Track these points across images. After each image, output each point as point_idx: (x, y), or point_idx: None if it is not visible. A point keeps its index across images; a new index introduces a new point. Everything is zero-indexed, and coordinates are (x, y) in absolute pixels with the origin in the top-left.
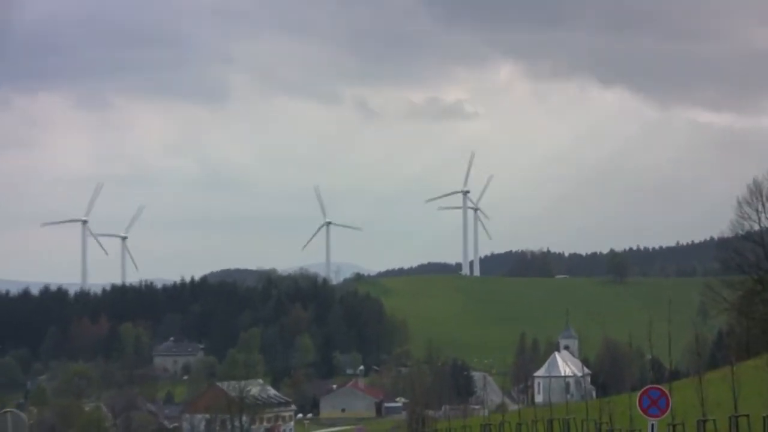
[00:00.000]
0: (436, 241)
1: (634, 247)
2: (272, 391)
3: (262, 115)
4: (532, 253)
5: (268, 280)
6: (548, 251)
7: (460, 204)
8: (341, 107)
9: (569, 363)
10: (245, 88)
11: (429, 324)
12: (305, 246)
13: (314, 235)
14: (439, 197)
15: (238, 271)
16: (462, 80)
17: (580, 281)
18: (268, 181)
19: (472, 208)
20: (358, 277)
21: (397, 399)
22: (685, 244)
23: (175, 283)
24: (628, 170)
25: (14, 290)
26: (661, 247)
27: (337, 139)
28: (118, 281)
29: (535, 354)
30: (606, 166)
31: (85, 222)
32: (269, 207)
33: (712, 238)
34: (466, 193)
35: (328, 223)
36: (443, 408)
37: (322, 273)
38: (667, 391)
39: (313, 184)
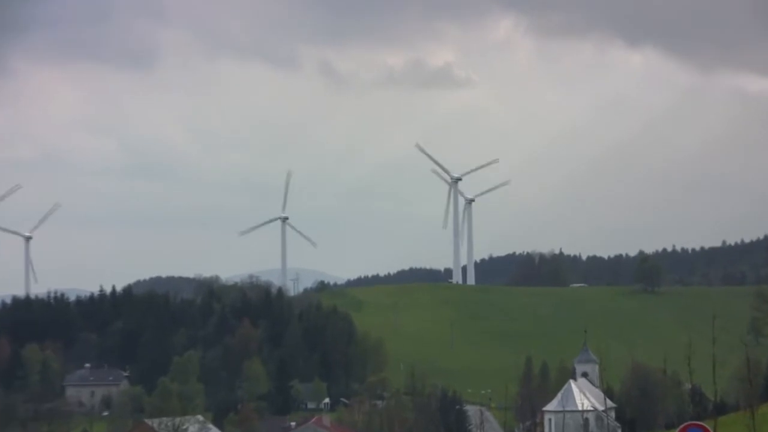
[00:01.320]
0: (420, 240)
1: (669, 248)
2: (215, 430)
3: (201, 84)
4: (541, 256)
5: (209, 291)
6: (561, 253)
7: (448, 194)
8: (300, 73)
9: (588, 394)
10: (179, 49)
11: (411, 345)
12: (245, 233)
13: (260, 225)
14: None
15: (171, 279)
16: (451, 39)
17: (602, 291)
18: (209, 166)
19: (466, 199)
20: (322, 287)
21: None
22: (732, 244)
23: (92, 295)
24: (660, 152)
25: None
26: (702, 249)
27: (295, 114)
28: (20, 293)
29: (545, 383)
30: (631, 147)
31: None
32: (210, 199)
33: (766, 237)
34: (456, 180)
35: (285, 219)
36: None
37: (276, 281)
38: (711, 430)
39: (267, 169)
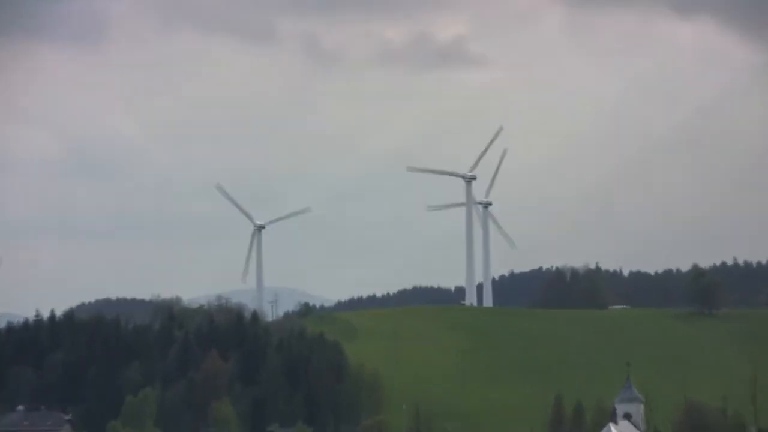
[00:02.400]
0: (426, 253)
1: (729, 262)
2: None
3: (158, 62)
4: (573, 272)
5: (169, 315)
6: (597, 268)
7: (462, 197)
8: (279, 50)
9: None
10: (131, 21)
11: (415, 381)
12: (246, 271)
13: (251, 250)
14: (444, 206)
15: (122, 302)
16: (463, 7)
17: (647, 314)
18: (167, 163)
19: (480, 203)
20: (307, 310)
21: None
22: None
23: (26, 321)
24: (716, 144)
25: None
26: None
27: (272, 100)
28: None
29: (579, 426)
30: (682, 138)
31: None
32: (169, 204)
33: None
34: (470, 180)
35: (260, 228)
36: None
37: (250, 304)
38: None
39: (238, 167)
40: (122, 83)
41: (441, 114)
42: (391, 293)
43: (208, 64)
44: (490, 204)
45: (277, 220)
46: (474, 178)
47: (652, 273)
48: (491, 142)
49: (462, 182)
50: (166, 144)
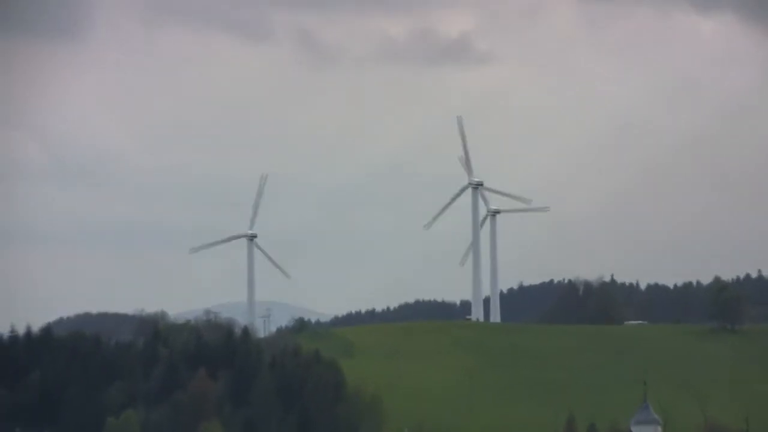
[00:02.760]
0: (429, 265)
1: (753, 274)
2: None
3: (141, 59)
4: (586, 285)
5: (154, 331)
6: (612, 281)
7: (468, 203)
8: (273, 46)
9: None
10: (112, 15)
11: (418, 403)
12: (196, 250)
13: (217, 243)
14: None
15: (103, 317)
16: (468, 1)
17: (666, 330)
18: (152, 168)
19: (490, 212)
20: (302, 326)
21: None
22: None
23: (0, 337)
24: (739, 148)
25: None
26: None
27: (266, 99)
28: None
29: None
30: (702, 142)
31: None
32: (154, 211)
33: None
34: (477, 186)
35: (252, 237)
36: None
37: (241, 319)
38: None
39: (230, 172)
40: (106, 82)
41: (445, 113)
42: (391, 308)
43: (198, 63)
44: (498, 212)
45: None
46: (481, 183)
47: (671, 286)
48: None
49: (469, 190)
50: (153, 147)
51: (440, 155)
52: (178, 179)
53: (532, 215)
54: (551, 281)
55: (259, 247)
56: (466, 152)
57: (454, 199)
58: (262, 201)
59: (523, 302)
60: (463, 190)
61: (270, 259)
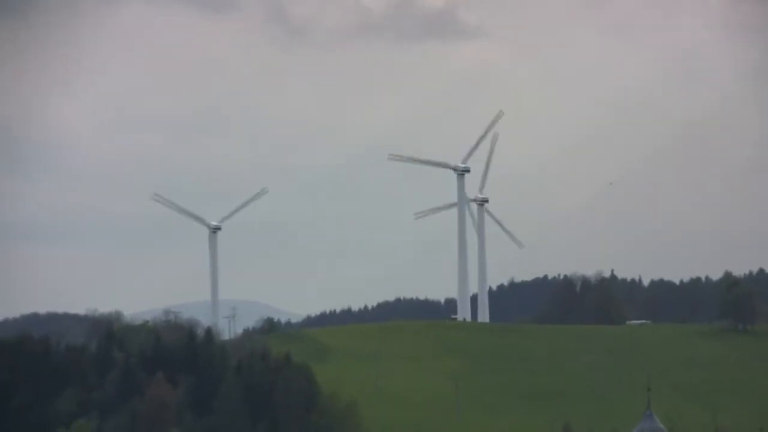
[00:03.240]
0: (411, 259)
1: (767, 269)
2: None
3: (88, 34)
4: (584, 281)
5: (108, 333)
6: (612, 276)
7: (453, 193)
8: (239, 20)
9: None
10: None
11: (399, 411)
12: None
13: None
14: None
15: (53, 317)
16: None
17: (671, 330)
18: (107, 156)
19: (474, 200)
20: (270, 327)
21: None
22: None
23: None
24: (751, 132)
25: None
26: None
27: (231, 78)
28: None
29: None
30: (711, 126)
31: None
32: (105, 201)
33: None
34: (462, 173)
35: (216, 230)
36: None
37: (204, 319)
38: None
39: (189, 159)
40: (58, 61)
41: (427, 93)
42: (369, 306)
43: (158, 39)
44: (486, 201)
45: (233, 214)
46: (467, 170)
47: (677, 282)
48: (489, 129)
49: (453, 175)
50: (107, 133)
51: (422, 139)
52: (134, 163)
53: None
54: (545, 277)
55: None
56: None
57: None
58: (229, 190)
59: (514, 300)
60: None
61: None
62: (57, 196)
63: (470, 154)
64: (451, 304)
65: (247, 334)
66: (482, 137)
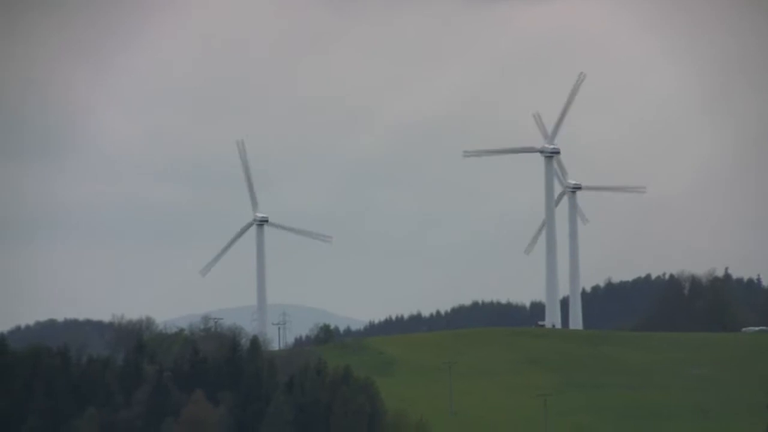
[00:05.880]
0: (490, 257)
1: None
2: None
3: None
4: (694, 281)
5: (137, 344)
6: (727, 276)
7: (541, 175)
8: None
9: None
10: None
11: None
12: (207, 269)
13: (232, 243)
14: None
15: (72, 323)
16: None
17: None
18: (126, 137)
19: (569, 188)
20: (327, 335)
21: None
22: None
23: None
24: None
25: None
26: None
27: (268, 47)
28: None
29: None
30: None
31: None
32: (131, 190)
33: None
34: (552, 155)
35: (263, 222)
36: None
37: (248, 327)
38: None
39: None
40: (66, 30)
41: (498, 62)
42: (442, 312)
43: (181, 4)
44: (579, 188)
45: (284, 228)
46: (557, 151)
47: None
48: (573, 96)
49: (541, 158)
50: (127, 111)
51: (492, 114)
52: (158, 149)
53: (623, 195)
54: (647, 277)
55: (279, 226)
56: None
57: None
58: (253, 175)
59: (611, 304)
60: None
61: (300, 233)
62: (75, 184)
63: (555, 132)
64: (537, 309)
65: (300, 344)
66: (566, 107)
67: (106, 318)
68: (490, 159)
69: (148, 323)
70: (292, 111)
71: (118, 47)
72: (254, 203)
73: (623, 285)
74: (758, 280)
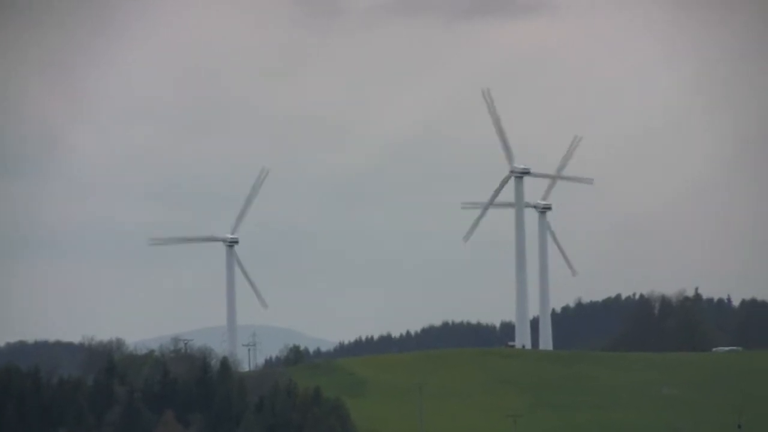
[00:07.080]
0: (461, 278)
1: None
2: None
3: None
4: (664, 301)
5: (107, 365)
6: (697, 296)
7: (510, 196)
8: None
9: None
10: None
11: None
12: (158, 243)
13: (184, 241)
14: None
15: (43, 345)
16: None
17: (765, 358)
18: (103, 154)
19: (536, 207)
20: (297, 357)
21: None
22: None
23: None
24: None
25: None
26: None
27: (252, 61)
28: None
29: None
30: None
31: None
32: (105, 211)
33: None
34: (521, 174)
35: (232, 243)
36: None
37: (218, 348)
38: None
39: (198, 158)
40: (52, 41)
41: (481, 78)
42: (412, 332)
43: (165, 15)
44: (549, 208)
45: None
46: (527, 172)
47: None
48: (569, 153)
49: (511, 180)
50: (106, 129)
51: (468, 133)
52: (137, 169)
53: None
54: (617, 297)
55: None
56: (501, 133)
57: (495, 196)
58: (254, 200)
59: (582, 324)
60: (503, 183)
61: (247, 278)
62: (46, 205)
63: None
64: (507, 329)
65: (270, 365)
66: (562, 164)
67: (76, 339)
68: (462, 174)
69: (119, 344)
70: (263, 130)
71: (91, 66)
72: (235, 226)
73: (594, 305)
74: (728, 300)
